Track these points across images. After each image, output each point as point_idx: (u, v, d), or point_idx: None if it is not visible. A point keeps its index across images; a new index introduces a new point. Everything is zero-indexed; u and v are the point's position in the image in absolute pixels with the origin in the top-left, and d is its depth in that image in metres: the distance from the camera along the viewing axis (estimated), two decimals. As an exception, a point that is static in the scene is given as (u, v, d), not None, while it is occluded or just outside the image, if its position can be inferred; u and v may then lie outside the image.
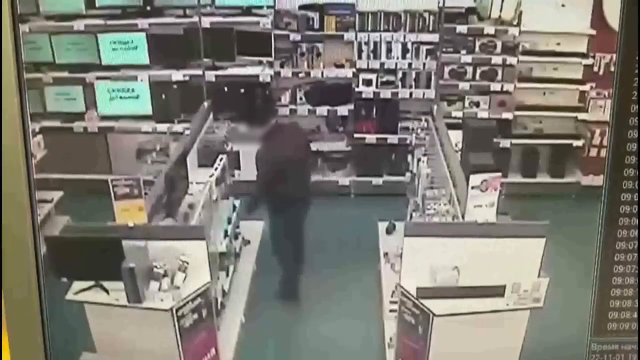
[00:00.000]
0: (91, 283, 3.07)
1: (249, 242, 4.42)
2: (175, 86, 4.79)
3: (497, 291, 3.05)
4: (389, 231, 4.39)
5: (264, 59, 4.81)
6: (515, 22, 4.77)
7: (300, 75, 4.90)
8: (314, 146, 4.86)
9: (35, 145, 3.97)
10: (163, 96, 4.80)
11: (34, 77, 4.48)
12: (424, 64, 4.87)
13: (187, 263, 3.11)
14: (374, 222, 4.44)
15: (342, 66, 4.91)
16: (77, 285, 3.08)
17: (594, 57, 4.81)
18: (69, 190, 4.13)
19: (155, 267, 3.07)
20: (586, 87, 4.87)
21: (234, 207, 4.36)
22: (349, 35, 4.84)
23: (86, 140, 4.80)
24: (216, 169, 4.06)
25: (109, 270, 2.95)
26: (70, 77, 4.76)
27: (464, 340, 3.11)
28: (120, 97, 4.78)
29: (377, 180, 4.94)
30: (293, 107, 4.93)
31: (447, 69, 4.88)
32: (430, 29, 4.81)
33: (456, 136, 3.96)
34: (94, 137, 4.82)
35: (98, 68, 4.77)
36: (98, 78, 4.76)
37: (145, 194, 3.19)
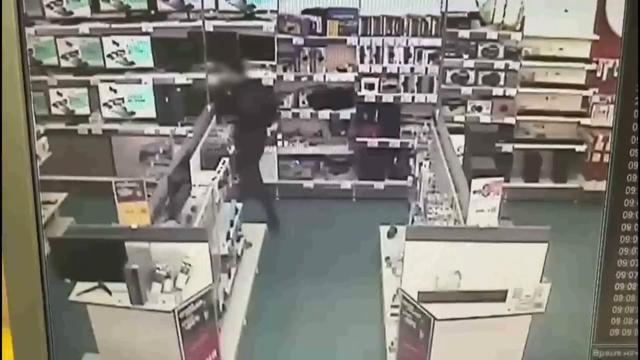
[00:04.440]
0: (94, 284, 3.09)
1: (250, 244, 4.42)
2: (178, 89, 4.80)
3: (498, 296, 3.05)
4: (391, 235, 4.38)
5: (267, 63, 4.82)
6: (518, 27, 4.77)
7: (302, 79, 4.90)
8: (315, 149, 4.88)
9: (39, 147, 3.98)
10: (167, 99, 4.81)
11: (38, 79, 4.50)
12: (427, 69, 4.87)
13: (190, 265, 3.12)
14: (376, 226, 4.44)
15: (344, 70, 4.91)
16: (81, 286, 3.10)
17: (597, 62, 4.80)
18: (73, 191, 4.13)
19: (158, 268, 3.08)
20: (589, 93, 4.85)
21: (236, 209, 4.37)
22: (351, 40, 4.84)
23: (90, 143, 4.82)
24: (219, 171, 4.07)
25: (112, 271, 2.96)
26: (75, 79, 4.79)
27: (465, 345, 3.11)
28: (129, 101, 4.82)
29: (378, 184, 4.94)
30: (296, 110, 4.94)
31: (449, 74, 4.88)
32: (433, 33, 4.81)
33: (458, 140, 3.97)
34: (98, 139, 4.84)
35: (102, 71, 4.79)
36: (102, 81, 4.78)
37: (149, 196, 3.20)
